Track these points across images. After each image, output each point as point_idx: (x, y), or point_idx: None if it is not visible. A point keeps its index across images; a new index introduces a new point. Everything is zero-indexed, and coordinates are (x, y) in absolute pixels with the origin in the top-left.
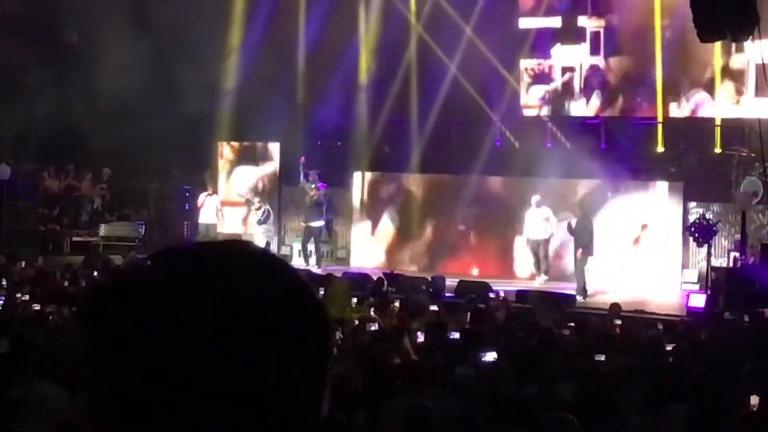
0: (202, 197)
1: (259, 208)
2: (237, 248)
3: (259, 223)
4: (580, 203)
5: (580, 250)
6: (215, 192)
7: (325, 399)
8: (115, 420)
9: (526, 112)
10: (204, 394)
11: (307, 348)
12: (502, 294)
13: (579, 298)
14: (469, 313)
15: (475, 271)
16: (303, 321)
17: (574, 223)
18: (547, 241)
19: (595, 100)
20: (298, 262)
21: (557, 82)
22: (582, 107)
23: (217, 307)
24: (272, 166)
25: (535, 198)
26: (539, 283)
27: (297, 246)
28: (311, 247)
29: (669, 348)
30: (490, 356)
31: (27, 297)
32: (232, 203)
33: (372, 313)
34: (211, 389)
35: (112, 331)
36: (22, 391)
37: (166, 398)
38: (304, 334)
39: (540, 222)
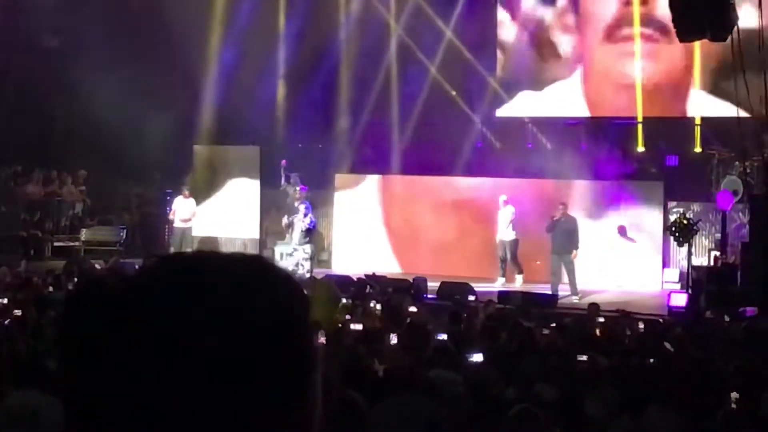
0: (177, 201)
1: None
2: (237, 261)
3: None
4: (565, 203)
5: (571, 252)
6: (191, 195)
7: (315, 409)
8: (95, 426)
9: (503, 113)
10: (185, 406)
11: (290, 361)
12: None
13: (575, 299)
14: (450, 315)
15: (457, 272)
16: (287, 335)
17: (557, 223)
18: (513, 243)
19: (576, 99)
20: (281, 264)
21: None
22: (561, 107)
23: (201, 322)
24: (253, 169)
25: (502, 198)
26: (517, 285)
27: (279, 249)
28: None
29: (651, 348)
30: (476, 357)
31: (6, 301)
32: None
33: (351, 315)
34: (192, 400)
35: (96, 337)
36: (11, 400)
37: (148, 407)
38: (288, 349)
39: (506, 222)
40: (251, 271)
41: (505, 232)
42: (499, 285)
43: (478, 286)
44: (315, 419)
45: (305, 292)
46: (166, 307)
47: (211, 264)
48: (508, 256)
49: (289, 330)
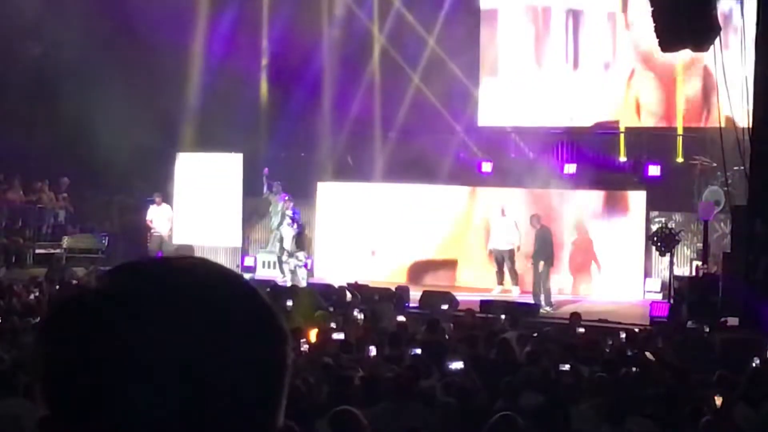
0: (151, 210)
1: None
2: (194, 264)
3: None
4: (538, 215)
5: (542, 262)
6: (163, 202)
7: (281, 411)
8: None
9: (485, 123)
10: (160, 410)
11: (263, 363)
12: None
13: (548, 309)
14: (428, 324)
15: (439, 282)
16: (259, 336)
17: (536, 234)
18: (512, 252)
19: (558, 110)
20: (262, 273)
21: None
22: (545, 117)
23: (171, 324)
24: (235, 176)
25: (501, 207)
26: (513, 294)
27: (261, 257)
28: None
29: (632, 357)
30: (456, 365)
31: None
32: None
33: (333, 324)
34: (166, 405)
35: (68, 348)
36: None
37: (121, 415)
38: (260, 350)
39: (505, 232)
40: (206, 276)
41: (501, 242)
42: (497, 293)
43: (461, 296)
44: (279, 423)
45: (256, 290)
46: (134, 320)
47: (166, 271)
48: (507, 266)
49: (255, 331)
